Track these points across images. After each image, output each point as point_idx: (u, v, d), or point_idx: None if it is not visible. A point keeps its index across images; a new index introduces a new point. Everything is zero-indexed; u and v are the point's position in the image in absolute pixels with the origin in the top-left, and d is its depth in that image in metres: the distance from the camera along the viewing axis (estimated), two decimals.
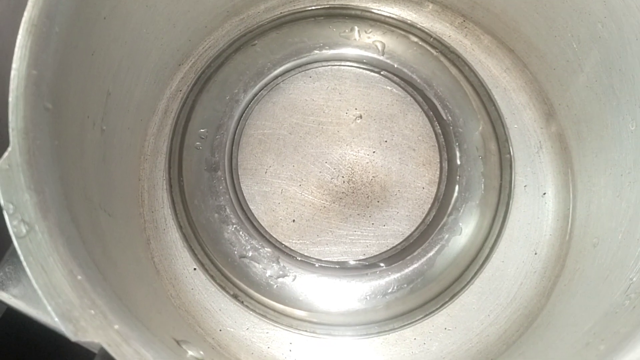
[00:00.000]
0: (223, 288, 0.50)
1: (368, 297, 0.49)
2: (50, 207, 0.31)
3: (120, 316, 0.29)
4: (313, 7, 0.57)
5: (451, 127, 0.53)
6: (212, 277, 0.50)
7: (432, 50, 0.55)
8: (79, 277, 0.29)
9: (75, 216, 0.33)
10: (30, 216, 0.29)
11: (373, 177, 0.53)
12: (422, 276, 0.50)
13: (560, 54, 0.49)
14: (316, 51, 0.55)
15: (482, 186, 0.52)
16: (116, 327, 0.29)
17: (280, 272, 0.49)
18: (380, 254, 0.51)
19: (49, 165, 0.32)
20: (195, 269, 0.50)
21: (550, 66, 0.51)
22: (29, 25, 0.31)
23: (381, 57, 0.55)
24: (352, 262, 0.51)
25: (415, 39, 0.55)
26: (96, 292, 0.30)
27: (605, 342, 0.32)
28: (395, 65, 0.54)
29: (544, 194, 0.52)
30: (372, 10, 0.57)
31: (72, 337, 0.28)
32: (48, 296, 0.29)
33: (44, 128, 0.32)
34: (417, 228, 0.52)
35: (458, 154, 0.52)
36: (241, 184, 0.53)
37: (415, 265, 0.50)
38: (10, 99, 0.30)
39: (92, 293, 0.29)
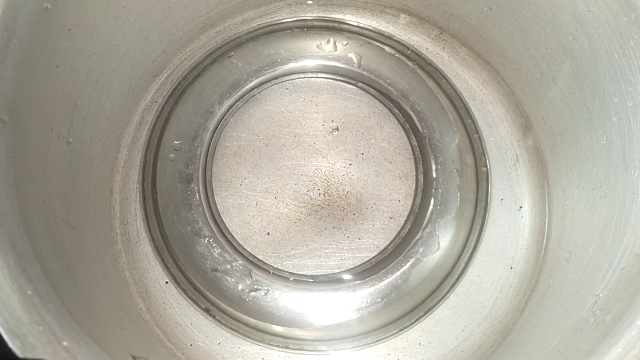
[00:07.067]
0: (195, 302, 0.49)
1: (341, 312, 0.49)
2: (2, 221, 0.30)
3: (69, 333, 0.29)
4: (290, 19, 0.57)
5: (427, 140, 0.53)
6: (183, 290, 0.49)
7: (409, 63, 0.55)
8: (29, 292, 0.29)
9: (30, 229, 0.32)
10: None
11: (349, 189, 0.53)
12: (397, 290, 0.49)
13: (535, 66, 0.49)
14: (292, 63, 0.54)
15: (458, 199, 0.51)
16: (65, 343, 0.28)
17: (253, 286, 0.49)
18: (354, 267, 0.51)
19: (2, 178, 0.31)
20: (167, 282, 0.50)
21: (525, 79, 0.51)
22: None
23: (358, 69, 0.54)
24: (326, 276, 0.50)
25: (392, 51, 0.55)
26: (46, 307, 0.29)
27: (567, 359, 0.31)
28: (372, 77, 0.54)
29: (521, 207, 0.52)
30: (349, 22, 0.57)
31: (20, 353, 0.28)
32: None
33: None
34: (392, 241, 0.51)
35: (434, 167, 0.52)
36: (215, 197, 0.52)
37: (389, 279, 0.49)
38: None
39: (42, 309, 0.29)
